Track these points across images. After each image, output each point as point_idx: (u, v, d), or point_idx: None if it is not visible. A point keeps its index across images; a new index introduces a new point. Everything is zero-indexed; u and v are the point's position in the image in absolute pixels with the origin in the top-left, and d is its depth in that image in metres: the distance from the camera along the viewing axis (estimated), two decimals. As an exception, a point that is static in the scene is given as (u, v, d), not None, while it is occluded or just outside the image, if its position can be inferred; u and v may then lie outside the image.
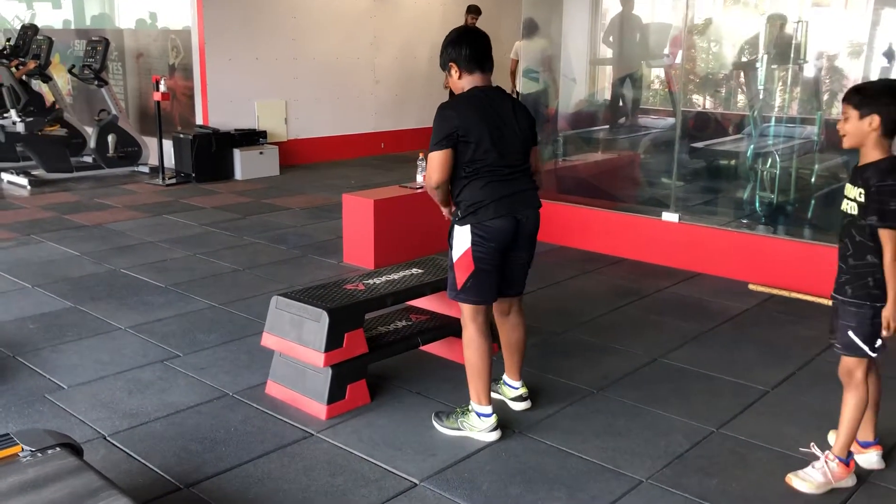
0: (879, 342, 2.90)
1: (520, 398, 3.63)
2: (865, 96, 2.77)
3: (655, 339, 4.47)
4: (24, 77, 9.57)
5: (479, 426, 3.35)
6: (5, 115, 9.23)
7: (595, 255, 6.11)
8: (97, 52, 9.10)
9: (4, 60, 9.58)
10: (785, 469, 3.08)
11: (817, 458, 3.02)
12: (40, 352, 4.19)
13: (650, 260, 5.92)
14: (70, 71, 9.70)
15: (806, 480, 2.98)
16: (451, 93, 3.51)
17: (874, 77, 6.23)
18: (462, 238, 3.24)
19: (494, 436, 3.36)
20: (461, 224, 3.23)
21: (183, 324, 4.61)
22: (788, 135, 6.58)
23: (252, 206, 7.76)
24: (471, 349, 3.33)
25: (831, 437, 3.26)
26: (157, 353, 4.19)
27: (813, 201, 6.08)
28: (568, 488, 2.98)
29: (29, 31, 10.05)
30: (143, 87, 10.27)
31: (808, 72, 6.47)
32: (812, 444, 3.10)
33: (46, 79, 9.83)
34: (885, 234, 2.73)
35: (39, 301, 4.97)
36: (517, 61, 9.22)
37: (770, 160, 6.43)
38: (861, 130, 2.77)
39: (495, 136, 3.21)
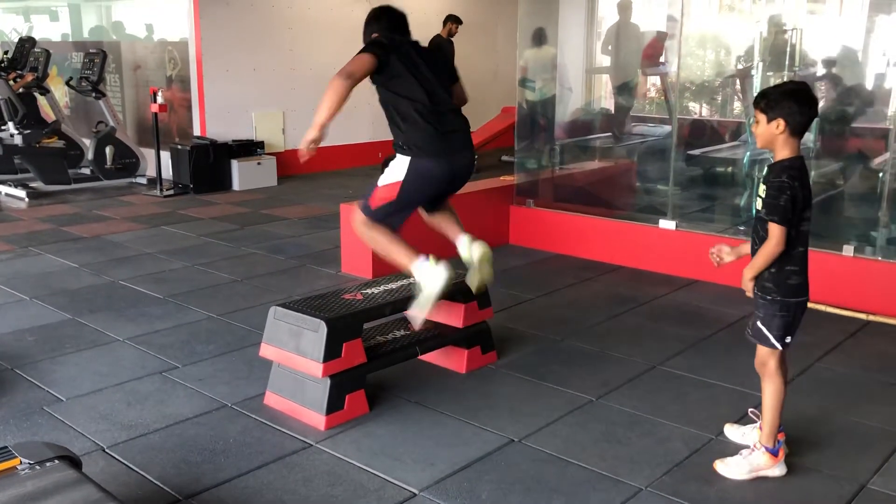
0: (789, 338, 3.05)
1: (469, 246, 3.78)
2: (770, 101, 2.92)
3: (654, 346, 4.47)
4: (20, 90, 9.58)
5: (427, 276, 3.52)
6: (3, 127, 9.24)
7: (592, 263, 6.11)
8: (94, 64, 9.12)
9: (2, 73, 9.60)
10: (785, 475, 3.09)
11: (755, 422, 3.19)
12: (38, 364, 4.18)
13: (648, 267, 5.93)
14: (68, 83, 9.72)
15: (730, 466, 3.11)
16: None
17: (870, 85, 6.28)
18: (398, 168, 3.51)
19: (443, 272, 3.50)
20: (403, 154, 3.51)
21: (181, 335, 4.61)
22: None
23: (250, 217, 7.77)
24: (372, 237, 3.64)
25: (728, 430, 3.42)
26: (156, 364, 4.19)
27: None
28: (567, 497, 2.98)
29: (26, 43, 10.07)
30: (140, 99, 10.29)
31: (804, 79, 6.50)
32: (751, 409, 3.27)
33: (44, 91, 9.85)
34: (771, 227, 2.91)
35: (37, 313, 4.97)
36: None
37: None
38: (770, 133, 2.94)
39: (420, 75, 3.54)
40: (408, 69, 3.53)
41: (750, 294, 3.09)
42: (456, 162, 3.58)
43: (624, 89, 8.14)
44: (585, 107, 8.22)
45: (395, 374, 3.98)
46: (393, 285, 3.99)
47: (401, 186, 3.46)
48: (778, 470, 3.10)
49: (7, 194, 8.78)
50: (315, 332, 3.47)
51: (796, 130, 2.90)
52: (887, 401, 3.81)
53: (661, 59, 7.72)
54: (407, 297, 3.87)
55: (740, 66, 7.23)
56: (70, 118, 10.45)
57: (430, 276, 3.50)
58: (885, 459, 3.24)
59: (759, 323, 3.09)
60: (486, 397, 3.82)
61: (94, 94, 9.18)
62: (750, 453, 3.10)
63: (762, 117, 2.94)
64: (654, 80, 8.38)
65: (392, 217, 3.57)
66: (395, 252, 3.57)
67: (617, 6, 8.00)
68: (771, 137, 2.94)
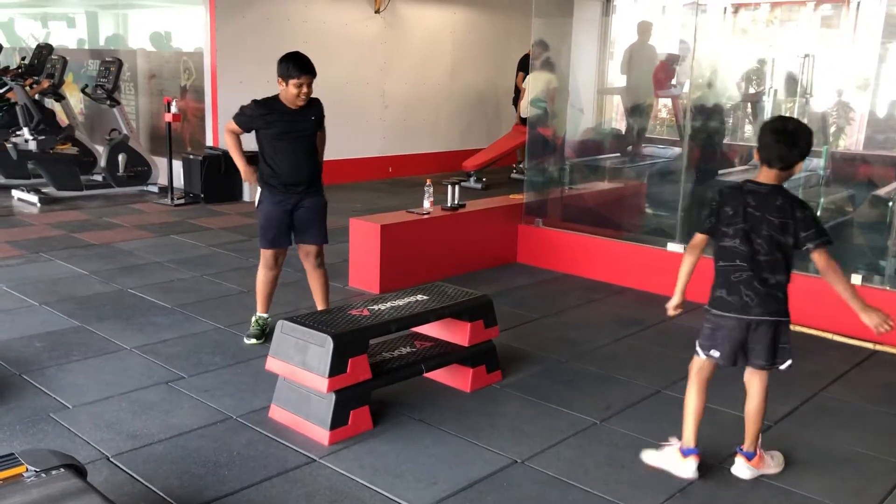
0: (714, 352, 3.35)
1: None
2: (759, 133, 3.24)
3: (659, 370, 4.46)
4: (36, 96, 9.68)
5: (251, 330, 4.74)
6: (18, 132, 9.32)
7: (600, 284, 6.12)
8: (110, 72, 9.20)
9: (19, 79, 9.69)
10: (787, 505, 3.08)
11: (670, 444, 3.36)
12: (46, 371, 4.21)
13: (655, 290, 5.91)
14: (83, 90, 9.80)
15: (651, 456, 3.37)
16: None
17: (883, 112, 6.28)
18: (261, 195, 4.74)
19: (250, 342, 4.70)
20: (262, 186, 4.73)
21: (188, 345, 4.63)
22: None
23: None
24: (258, 277, 4.83)
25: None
26: (162, 374, 4.21)
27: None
28: (569, 520, 2.98)
29: (44, 50, 10.18)
30: (154, 108, 10.36)
31: (815, 105, 6.51)
32: (671, 437, 3.38)
33: (59, 98, 9.94)
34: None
35: (46, 319, 5.00)
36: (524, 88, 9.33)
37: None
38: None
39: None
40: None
41: None
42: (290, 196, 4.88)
43: (636, 111, 8.16)
44: (596, 127, 8.24)
45: (400, 391, 3.98)
46: (400, 302, 4.01)
47: (261, 210, 4.80)
48: (685, 469, 3.25)
49: (20, 199, 8.85)
50: (321, 347, 3.49)
51: (765, 161, 3.22)
52: (892, 432, 3.80)
53: (673, 82, 7.74)
54: (413, 313, 3.89)
55: (752, 91, 7.24)
56: (84, 125, 10.52)
57: (250, 333, 4.75)
58: (889, 492, 3.23)
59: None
60: (489, 417, 3.82)
61: (108, 102, 9.26)
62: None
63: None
64: (666, 102, 8.40)
65: (265, 239, 4.82)
66: (259, 294, 4.82)
67: (637, 27, 8.03)
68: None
